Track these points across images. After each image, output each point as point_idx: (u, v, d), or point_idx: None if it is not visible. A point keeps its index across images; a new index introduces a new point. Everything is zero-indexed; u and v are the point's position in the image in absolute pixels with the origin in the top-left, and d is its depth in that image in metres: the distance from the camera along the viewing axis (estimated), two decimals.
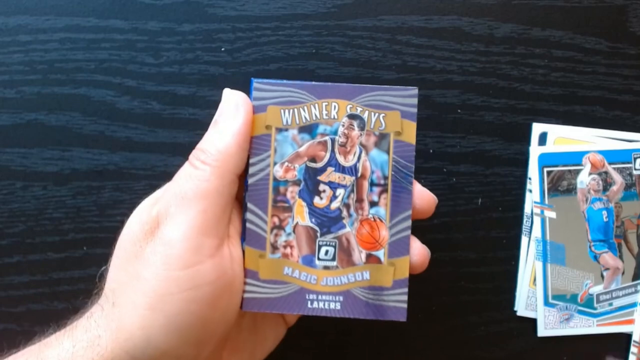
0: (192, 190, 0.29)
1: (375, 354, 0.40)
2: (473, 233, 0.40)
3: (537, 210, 0.39)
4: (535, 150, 0.39)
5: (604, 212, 0.39)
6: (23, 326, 0.39)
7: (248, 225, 0.31)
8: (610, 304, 0.40)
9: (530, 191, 0.39)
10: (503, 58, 0.40)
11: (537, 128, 0.40)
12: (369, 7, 0.39)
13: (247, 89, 0.32)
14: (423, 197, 0.32)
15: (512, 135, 0.40)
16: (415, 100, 0.31)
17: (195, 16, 0.39)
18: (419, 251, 0.32)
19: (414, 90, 0.31)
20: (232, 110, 0.31)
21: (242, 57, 0.39)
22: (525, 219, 0.40)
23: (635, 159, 0.39)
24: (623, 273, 0.40)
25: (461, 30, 0.40)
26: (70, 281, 0.39)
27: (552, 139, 0.39)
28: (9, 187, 0.39)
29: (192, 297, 0.28)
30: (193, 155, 0.30)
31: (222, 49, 0.39)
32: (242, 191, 0.32)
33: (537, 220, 0.39)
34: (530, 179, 0.39)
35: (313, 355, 0.40)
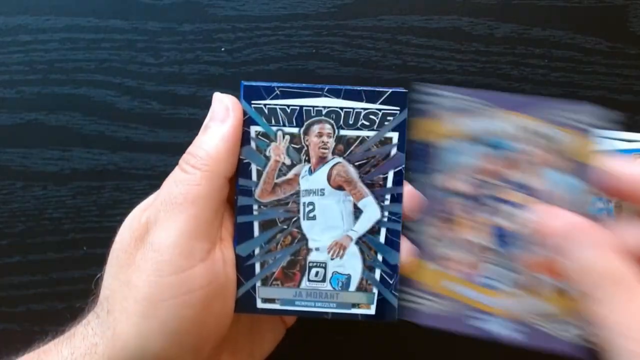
0: (182, 195, 0.29)
1: (375, 353, 0.40)
2: None
3: None
4: None
5: (604, 213, 0.39)
6: (23, 326, 0.39)
7: (423, 237, 0.31)
8: None
9: None
10: (503, 58, 0.40)
11: None
12: (369, 7, 0.39)
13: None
14: (414, 198, 0.32)
15: None
16: (597, 120, 0.29)
17: (195, 16, 0.39)
18: (408, 251, 0.32)
19: (597, 110, 0.29)
20: (222, 113, 0.30)
21: (242, 57, 0.39)
22: None
23: (635, 159, 0.39)
24: None
25: (461, 30, 0.40)
26: (70, 281, 0.39)
27: None
28: (9, 187, 0.39)
29: (185, 303, 0.28)
30: (183, 160, 0.30)
31: (222, 49, 0.39)
32: (234, 194, 0.32)
33: None
34: None
35: (313, 355, 0.40)
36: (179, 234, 0.28)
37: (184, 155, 0.30)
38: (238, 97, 0.31)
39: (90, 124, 0.39)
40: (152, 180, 0.39)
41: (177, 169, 0.30)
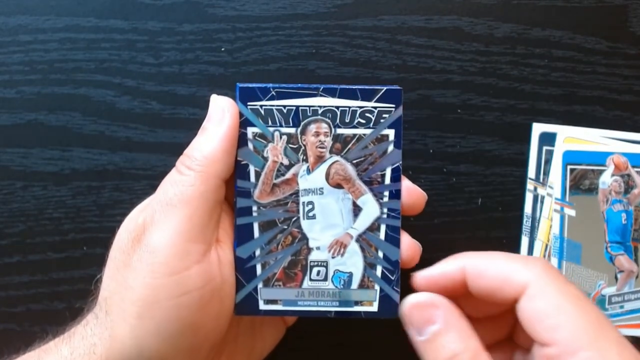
0: (176, 196, 0.29)
1: (374, 353, 0.40)
2: (473, 233, 0.40)
3: (556, 207, 0.39)
4: (560, 148, 0.39)
5: (623, 215, 0.39)
6: (23, 326, 0.39)
7: None
8: (622, 307, 0.40)
9: (530, 191, 0.39)
10: (503, 58, 0.40)
11: (537, 128, 0.40)
12: (369, 7, 0.39)
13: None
14: (412, 193, 0.32)
15: (512, 135, 0.40)
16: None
17: (195, 16, 0.39)
18: (409, 246, 0.32)
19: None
20: (219, 115, 0.31)
21: (242, 57, 0.39)
22: (525, 219, 0.40)
23: None
24: (637, 277, 0.40)
25: (461, 30, 0.40)
26: (70, 281, 0.39)
27: (561, 138, 0.39)
28: (9, 187, 0.39)
29: (181, 304, 0.28)
30: (179, 161, 0.30)
31: (222, 49, 0.39)
32: (232, 195, 0.32)
33: (556, 217, 0.39)
34: (530, 178, 0.39)
35: (312, 355, 0.40)
36: (173, 235, 0.28)
37: (181, 157, 0.30)
38: (235, 98, 0.31)
39: (90, 124, 0.39)
40: (152, 180, 0.39)
41: (173, 170, 0.30)
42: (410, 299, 0.30)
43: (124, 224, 0.30)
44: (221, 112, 0.31)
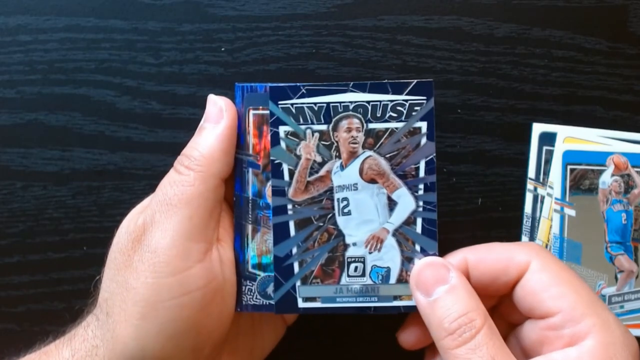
0: (176, 196, 0.29)
1: (374, 353, 0.40)
2: (473, 233, 0.40)
3: (557, 207, 0.39)
4: (560, 147, 0.39)
5: (623, 215, 0.39)
6: (23, 326, 0.39)
7: None
8: (622, 307, 0.40)
9: (530, 191, 0.39)
10: (503, 58, 0.40)
11: (537, 128, 0.40)
12: (369, 7, 0.39)
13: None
14: None
15: (512, 135, 0.40)
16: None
17: (195, 16, 0.39)
18: None
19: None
20: (216, 115, 0.31)
21: (242, 57, 0.39)
22: (525, 219, 0.40)
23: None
24: (637, 277, 0.40)
25: (461, 30, 0.40)
26: (70, 281, 0.39)
27: (561, 138, 0.39)
28: (9, 187, 0.39)
29: (184, 304, 0.28)
30: (177, 161, 0.30)
31: (222, 49, 0.39)
32: (232, 194, 0.32)
33: (556, 217, 0.39)
34: (530, 178, 0.39)
35: (313, 354, 0.40)
36: (174, 235, 0.28)
37: (179, 157, 0.31)
38: (233, 98, 0.31)
39: (90, 124, 0.39)
40: (152, 180, 0.39)
41: (172, 171, 0.30)
42: (424, 259, 0.30)
43: (122, 225, 0.30)
44: (219, 111, 0.31)
